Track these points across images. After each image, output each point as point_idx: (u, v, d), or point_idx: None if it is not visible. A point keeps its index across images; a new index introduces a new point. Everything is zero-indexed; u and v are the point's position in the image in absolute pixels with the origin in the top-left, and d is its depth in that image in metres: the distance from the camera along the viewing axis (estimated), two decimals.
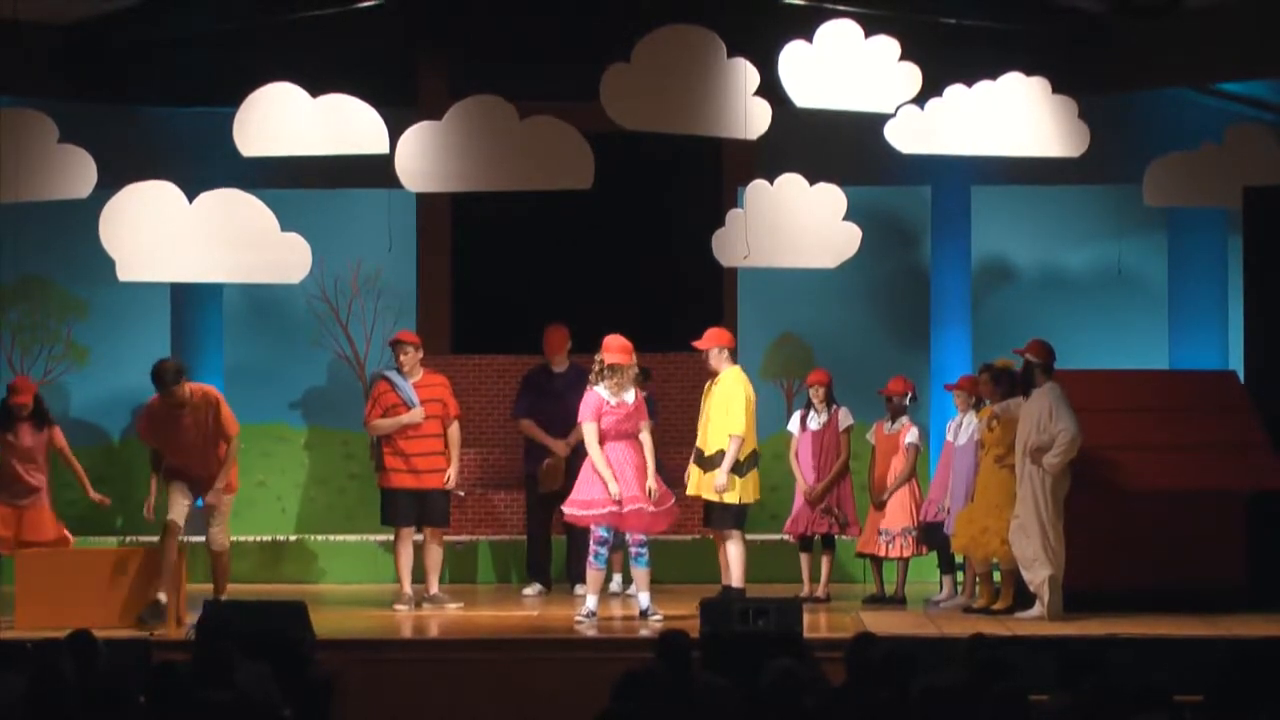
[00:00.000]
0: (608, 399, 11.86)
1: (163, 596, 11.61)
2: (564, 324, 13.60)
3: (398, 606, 12.46)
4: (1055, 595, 11.62)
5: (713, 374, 12.26)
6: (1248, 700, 6.93)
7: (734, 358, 12.33)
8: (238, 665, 7.83)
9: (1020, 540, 11.68)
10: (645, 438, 11.92)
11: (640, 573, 11.90)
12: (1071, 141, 13.29)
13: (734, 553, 12.13)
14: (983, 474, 12.13)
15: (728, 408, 12.06)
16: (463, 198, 14.24)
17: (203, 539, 12.37)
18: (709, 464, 12.13)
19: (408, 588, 12.59)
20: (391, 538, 13.44)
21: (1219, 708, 7.02)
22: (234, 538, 14.23)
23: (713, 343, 12.27)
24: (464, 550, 14.07)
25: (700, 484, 12.18)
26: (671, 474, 12.66)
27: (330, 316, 14.59)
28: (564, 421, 12.97)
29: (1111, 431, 12.24)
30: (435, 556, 12.75)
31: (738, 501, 12.11)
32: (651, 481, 11.79)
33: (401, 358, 12.72)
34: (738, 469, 12.05)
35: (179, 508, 11.89)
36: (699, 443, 12.25)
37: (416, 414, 12.63)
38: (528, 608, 12.74)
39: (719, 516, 12.17)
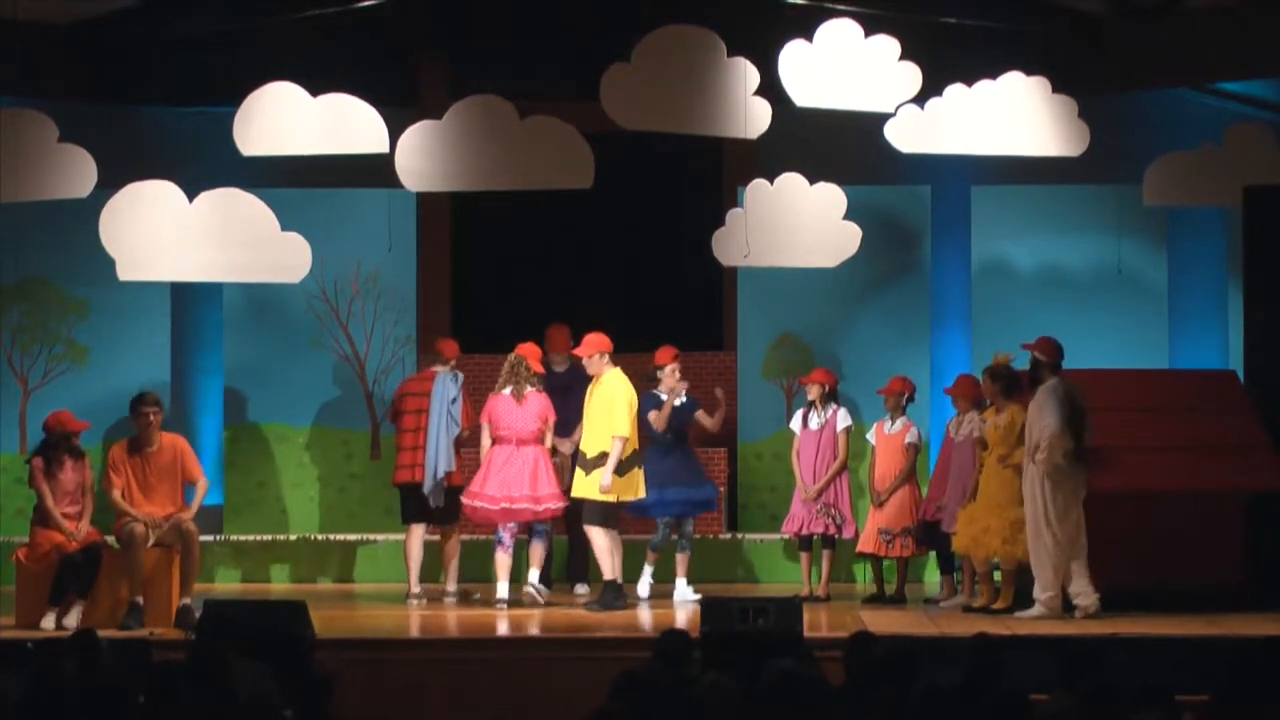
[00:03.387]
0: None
1: (139, 599, 11.65)
2: (565, 324, 13.59)
3: (448, 599, 12.94)
4: (1046, 592, 11.63)
5: (594, 378, 12.45)
6: (1248, 700, 6.93)
7: (612, 360, 12.58)
8: (233, 664, 7.83)
9: (1028, 539, 11.70)
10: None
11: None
12: (1071, 141, 13.29)
13: (600, 546, 12.36)
14: (985, 473, 12.12)
15: (610, 409, 12.27)
16: (463, 198, 14.25)
17: (215, 538, 12.34)
18: (591, 465, 12.31)
19: (453, 584, 13.13)
20: (385, 536, 13.64)
21: (1220, 708, 7.02)
22: (234, 537, 14.32)
23: (592, 349, 12.44)
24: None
25: (584, 485, 12.36)
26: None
27: (330, 316, 14.58)
28: (565, 422, 12.97)
29: (1111, 431, 12.23)
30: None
31: (616, 500, 12.31)
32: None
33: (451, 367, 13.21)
34: (618, 468, 12.23)
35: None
36: (581, 445, 12.42)
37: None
38: (528, 607, 12.73)
39: (590, 511, 12.38)
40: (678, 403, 12.94)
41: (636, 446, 12.43)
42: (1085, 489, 11.72)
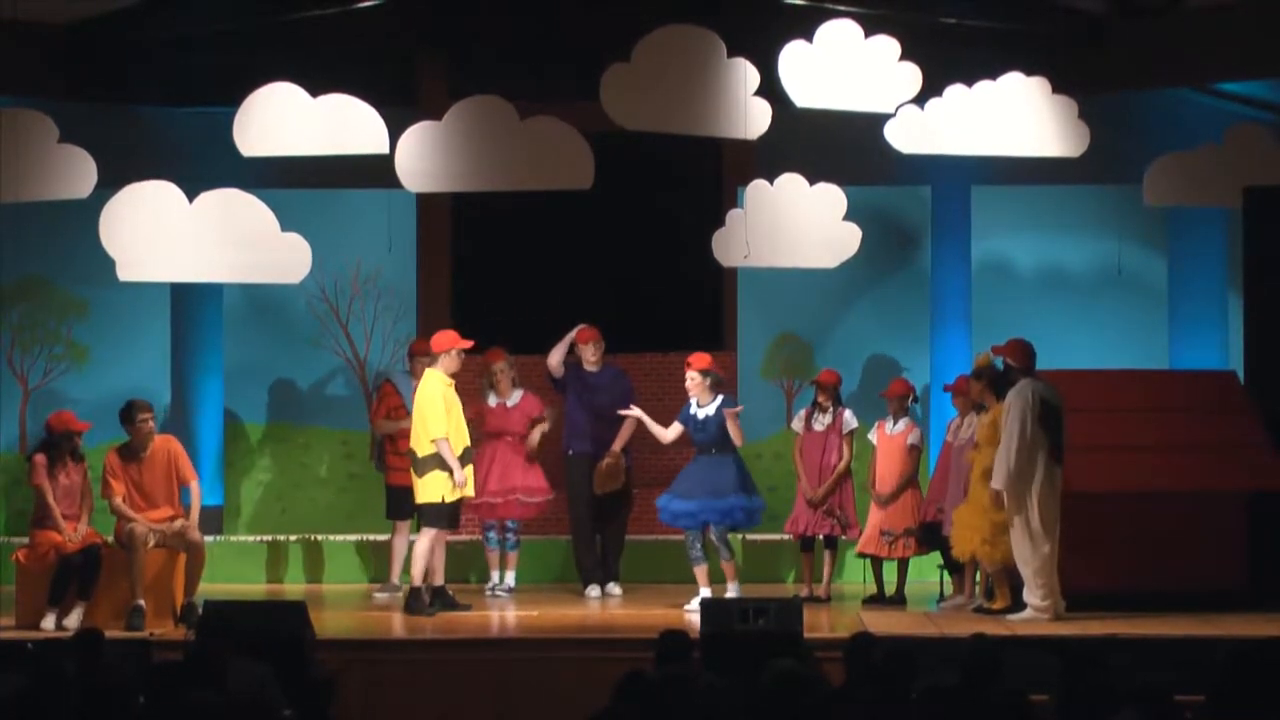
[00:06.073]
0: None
1: (141, 601, 11.63)
2: (593, 326, 13.44)
3: (377, 596, 13.22)
4: (1035, 594, 11.62)
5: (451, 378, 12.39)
6: (1248, 700, 6.92)
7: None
8: (231, 665, 7.83)
9: (1013, 539, 11.69)
10: None
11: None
12: (1071, 141, 13.30)
13: (421, 548, 12.27)
14: (974, 474, 12.12)
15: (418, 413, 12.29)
16: (463, 198, 14.25)
17: (215, 538, 12.72)
18: (421, 467, 12.25)
19: (395, 578, 13.30)
20: (385, 536, 13.65)
21: (1219, 708, 7.01)
22: (234, 538, 14.32)
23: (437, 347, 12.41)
24: (464, 549, 14.07)
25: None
26: (661, 475, 13.07)
27: (330, 316, 14.59)
28: (609, 422, 13.06)
29: (1111, 431, 12.24)
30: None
31: (442, 500, 12.27)
32: None
33: (416, 365, 13.24)
34: (444, 466, 12.17)
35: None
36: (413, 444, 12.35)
37: None
38: (527, 607, 12.73)
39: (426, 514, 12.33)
40: (702, 415, 12.49)
41: (468, 443, 12.36)
42: (1059, 490, 11.68)
